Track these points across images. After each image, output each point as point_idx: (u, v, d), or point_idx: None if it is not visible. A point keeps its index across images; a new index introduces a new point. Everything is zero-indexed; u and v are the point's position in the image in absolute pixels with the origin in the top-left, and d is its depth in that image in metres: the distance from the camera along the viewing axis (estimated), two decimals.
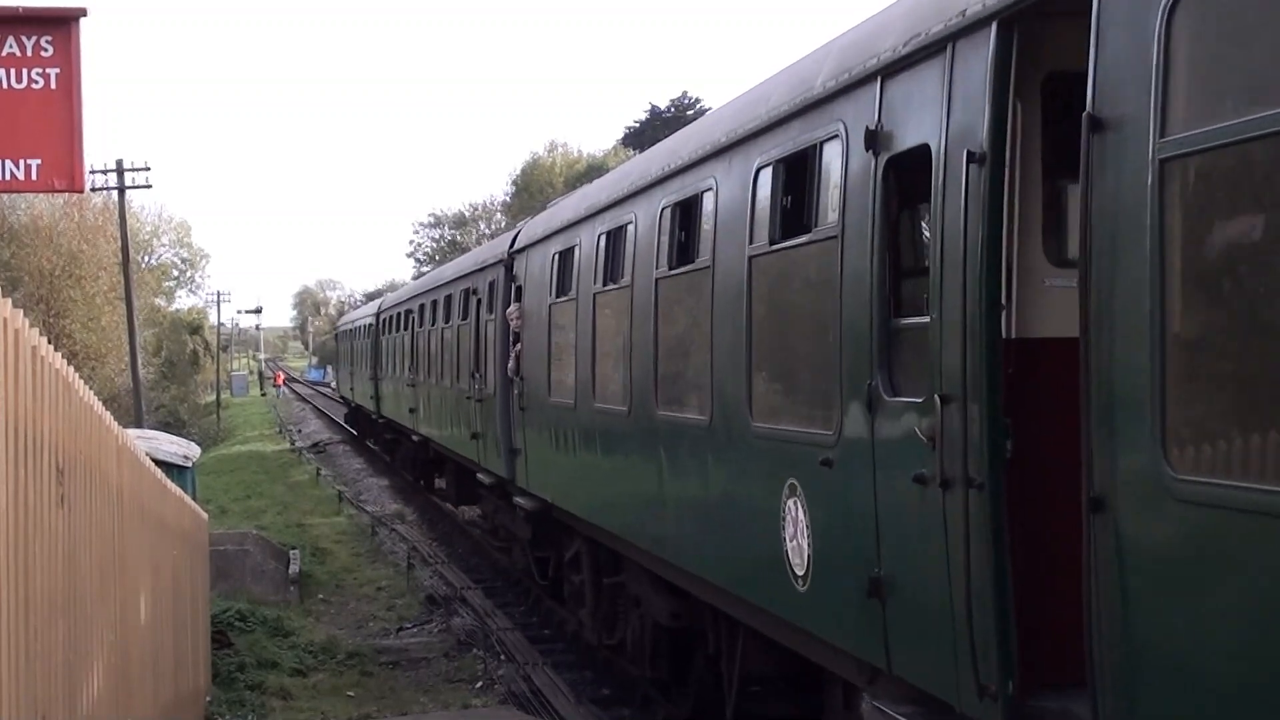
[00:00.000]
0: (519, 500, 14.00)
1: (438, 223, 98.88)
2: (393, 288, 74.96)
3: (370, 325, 33.87)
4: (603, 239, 10.51)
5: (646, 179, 9.59)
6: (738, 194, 7.52)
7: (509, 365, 13.94)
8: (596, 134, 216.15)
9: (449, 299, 19.86)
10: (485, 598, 17.31)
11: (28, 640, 4.14)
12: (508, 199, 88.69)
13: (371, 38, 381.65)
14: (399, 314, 27.33)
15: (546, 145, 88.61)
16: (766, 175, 7.11)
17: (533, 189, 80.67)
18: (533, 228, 14.38)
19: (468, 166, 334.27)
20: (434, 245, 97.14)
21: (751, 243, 7.25)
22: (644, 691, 11.75)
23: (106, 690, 5.99)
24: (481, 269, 16.89)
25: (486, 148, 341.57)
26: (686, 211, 8.63)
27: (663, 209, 8.98)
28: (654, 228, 9.12)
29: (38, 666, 4.31)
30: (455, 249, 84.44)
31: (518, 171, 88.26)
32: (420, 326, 23.37)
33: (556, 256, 12.24)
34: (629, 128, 78.55)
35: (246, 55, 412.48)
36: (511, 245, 14.97)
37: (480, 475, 17.11)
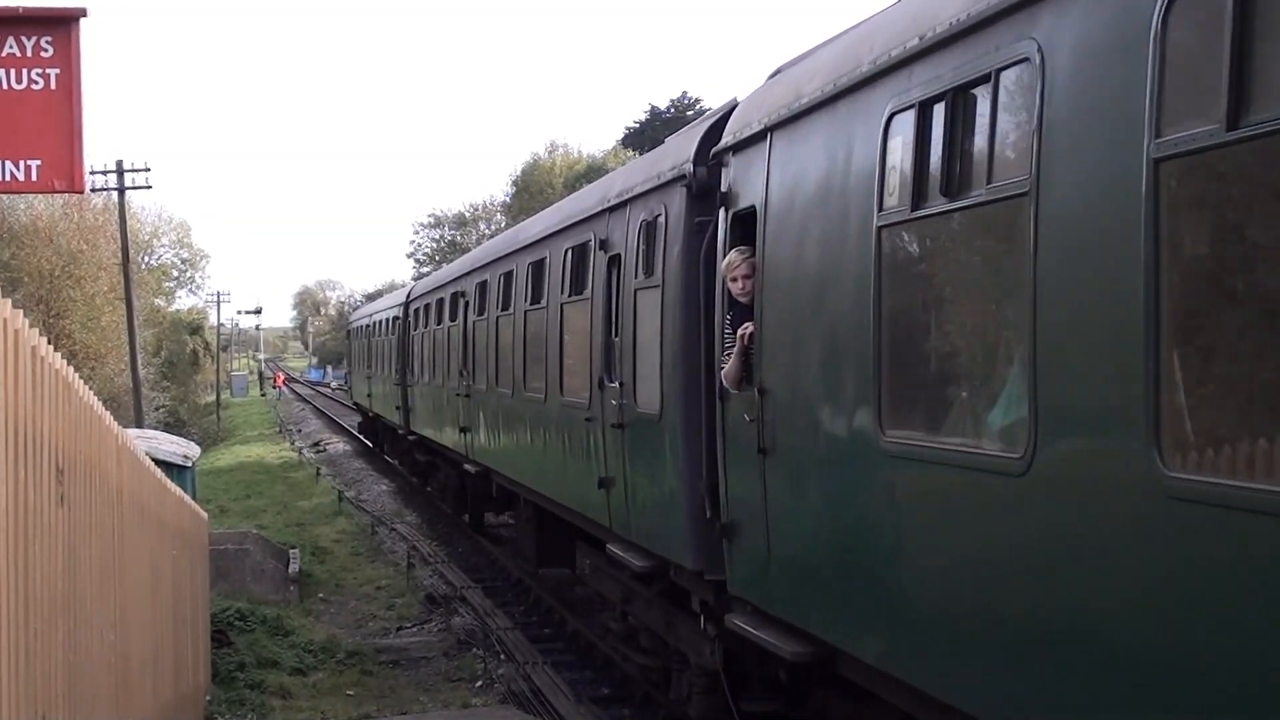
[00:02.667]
0: (740, 624, 7.66)
1: (438, 223, 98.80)
2: (392, 288, 74.84)
3: (396, 318, 27.52)
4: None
5: None
6: None
7: (724, 369, 7.66)
8: (596, 134, 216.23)
9: (539, 267, 13.28)
10: (485, 597, 17.30)
11: (28, 640, 4.15)
12: (508, 199, 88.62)
13: (372, 38, 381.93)
14: (443, 299, 20.74)
15: (547, 146, 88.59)
16: None
17: (533, 189, 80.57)
18: (800, 75, 7.29)
19: (468, 167, 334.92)
20: (434, 246, 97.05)
21: None
22: (644, 691, 11.75)
23: (106, 690, 6.00)
24: (620, 203, 10.29)
25: (486, 148, 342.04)
26: None
27: None
28: None
29: (38, 666, 4.31)
30: (455, 249, 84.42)
31: (518, 172, 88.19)
32: (480, 314, 16.95)
33: (914, 116, 5.67)
34: (629, 128, 78.60)
35: (247, 56, 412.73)
36: (709, 142, 8.42)
37: (616, 550, 10.20)
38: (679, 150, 9.27)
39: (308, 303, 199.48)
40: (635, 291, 9.66)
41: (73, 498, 5.09)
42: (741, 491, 7.62)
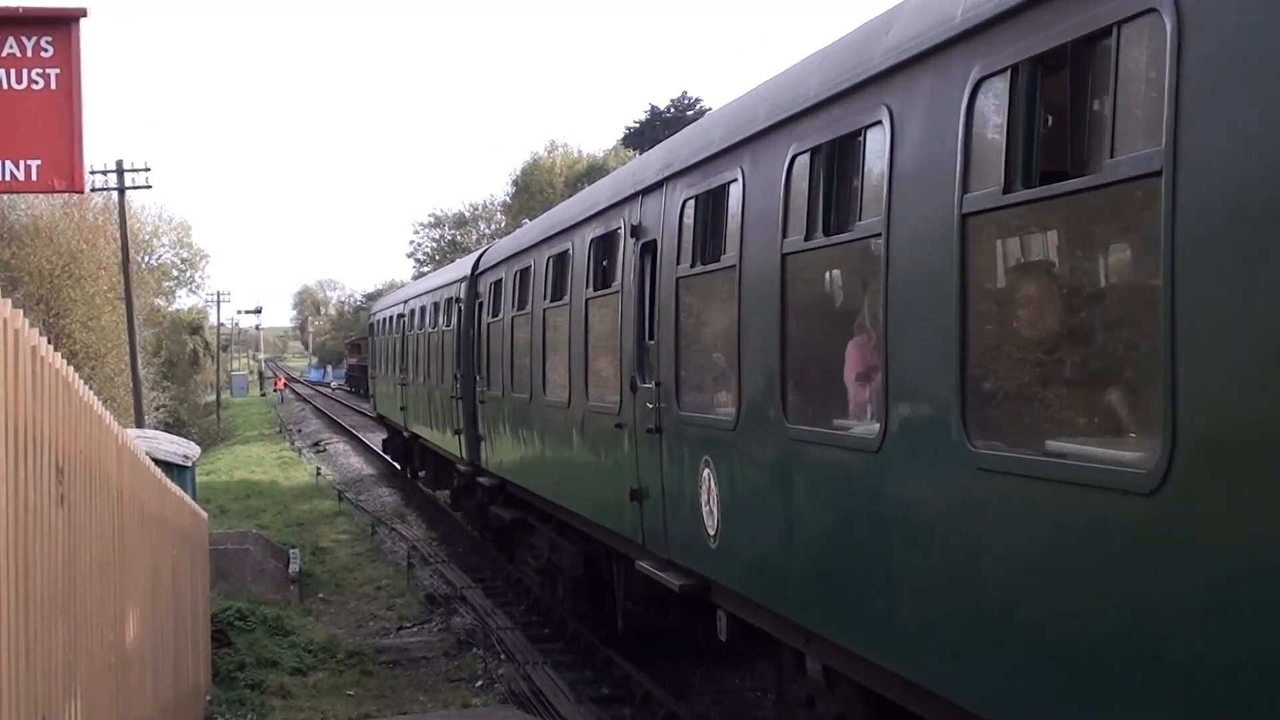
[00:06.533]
0: None
1: (438, 223, 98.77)
2: (393, 287, 74.73)
3: (452, 300, 19.33)
4: None
5: None
6: None
7: None
8: (596, 134, 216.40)
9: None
10: (485, 597, 17.30)
11: (28, 640, 4.14)
12: (508, 199, 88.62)
13: (372, 38, 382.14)
14: (563, 256, 12.12)
15: (547, 145, 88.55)
16: None
17: (533, 189, 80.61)
18: None
19: (468, 166, 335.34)
20: (434, 245, 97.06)
21: None
22: (644, 690, 11.75)
23: (106, 690, 6.00)
24: None
25: (486, 148, 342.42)
26: None
27: None
28: None
29: (38, 666, 4.31)
30: (456, 249, 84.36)
31: (518, 172, 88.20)
32: (695, 262, 8.37)
33: None
34: (629, 128, 78.57)
35: (247, 56, 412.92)
36: None
37: None
38: None
39: (308, 303, 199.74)
40: None
41: (73, 498, 5.09)
42: None
